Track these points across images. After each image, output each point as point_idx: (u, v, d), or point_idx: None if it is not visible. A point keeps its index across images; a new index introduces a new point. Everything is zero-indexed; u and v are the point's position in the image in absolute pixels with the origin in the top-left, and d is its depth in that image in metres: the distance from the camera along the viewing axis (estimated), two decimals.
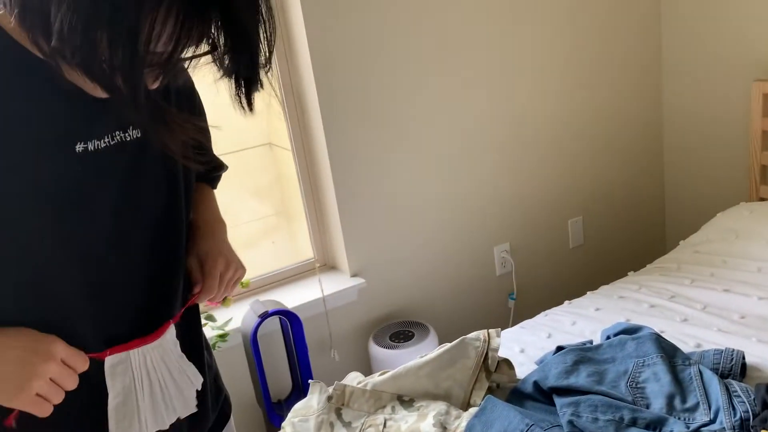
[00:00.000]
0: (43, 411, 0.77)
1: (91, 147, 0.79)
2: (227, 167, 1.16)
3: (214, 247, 1.01)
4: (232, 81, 0.74)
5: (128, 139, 0.83)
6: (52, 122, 0.76)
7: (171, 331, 0.93)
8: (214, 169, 1.12)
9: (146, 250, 0.89)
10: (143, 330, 0.90)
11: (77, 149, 0.78)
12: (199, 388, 0.97)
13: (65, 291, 0.81)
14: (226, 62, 0.71)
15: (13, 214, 0.74)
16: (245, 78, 0.73)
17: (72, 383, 0.79)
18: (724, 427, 1.33)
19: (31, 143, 0.74)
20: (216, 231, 1.05)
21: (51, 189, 0.76)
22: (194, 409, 0.96)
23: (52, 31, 0.64)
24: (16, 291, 0.78)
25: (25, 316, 0.78)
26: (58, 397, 0.78)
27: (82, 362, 0.80)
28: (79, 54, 0.65)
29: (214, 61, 0.71)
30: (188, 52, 0.69)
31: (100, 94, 0.75)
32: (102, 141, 0.80)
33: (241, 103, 0.75)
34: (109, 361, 0.87)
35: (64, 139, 0.77)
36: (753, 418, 1.31)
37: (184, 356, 0.96)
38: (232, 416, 1.12)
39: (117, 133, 0.82)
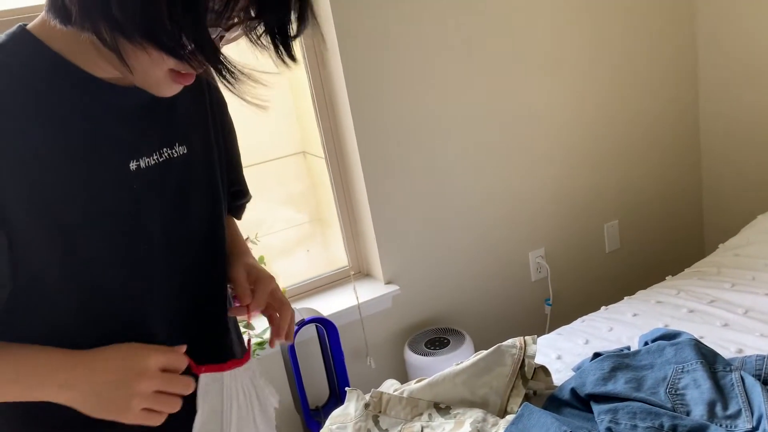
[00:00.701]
0: (156, 421, 0.77)
1: (143, 164, 0.81)
2: (251, 197, 1.15)
3: (255, 264, 1.03)
4: (268, 35, 0.73)
5: (175, 155, 0.85)
6: (107, 141, 0.77)
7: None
8: (241, 195, 1.11)
9: (193, 267, 0.90)
10: (199, 348, 0.90)
11: (131, 167, 0.80)
12: (277, 406, 0.98)
13: (123, 310, 0.82)
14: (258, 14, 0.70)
15: (77, 235, 0.75)
16: (279, 27, 0.72)
17: (181, 388, 0.78)
18: None
19: (90, 163, 0.76)
20: (248, 252, 1.07)
21: (110, 209, 0.78)
22: (274, 428, 0.97)
23: (111, 7, 0.64)
24: (79, 314, 0.79)
25: (88, 340, 0.79)
26: (170, 406, 0.78)
27: (180, 362, 0.80)
28: (141, 21, 0.64)
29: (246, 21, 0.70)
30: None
31: (159, 88, 0.74)
32: (151, 158, 0.82)
33: (282, 58, 0.74)
34: (203, 379, 0.87)
35: (119, 157, 0.79)
36: None
37: (263, 376, 0.97)
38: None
39: (164, 150, 0.84)
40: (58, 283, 0.77)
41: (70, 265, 0.76)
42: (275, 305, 1.00)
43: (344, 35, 2.04)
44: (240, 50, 0.74)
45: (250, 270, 1.00)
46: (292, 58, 0.75)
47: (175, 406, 0.78)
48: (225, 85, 0.71)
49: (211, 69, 0.69)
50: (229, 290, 1.03)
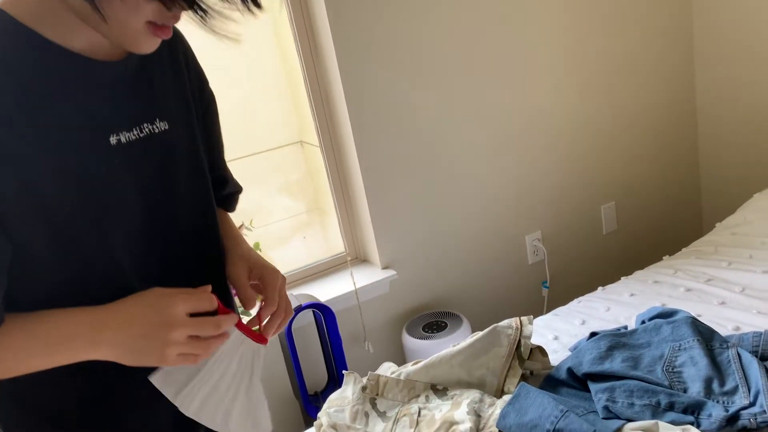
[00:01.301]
0: (194, 361, 0.78)
1: (123, 139, 0.80)
2: (242, 189, 1.12)
3: (256, 257, 1.00)
4: None
5: (156, 131, 0.84)
6: (87, 115, 0.76)
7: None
8: (222, 181, 1.08)
9: (185, 245, 0.89)
10: None
11: (112, 141, 0.79)
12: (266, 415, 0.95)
13: (106, 288, 0.80)
14: None
15: (58, 211, 0.75)
16: None
17: (212, 329, 0.77)
18: (764, 410, 1.30)
19: (71, 138, 0.75)
20: (244, 243, 1.04)
21: (91, 183, 0.77)
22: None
23: None
24: (57, 289, 0.78)
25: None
26: (205, 349, 0.77)
27: (208, 303, 0.79)
28: None
29: None
30: None
31: (137, 43, 0.74)
32: (132, 133, 0.81)
33: (249, 7, 0.73)
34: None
35: (99, 132, 0.78)
36: None
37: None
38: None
39: (145, 125, 0.83)
40: (47, 257, 0.76)
41: (57, 242, 0.76)
42: (281, 304, 0.96)
43: (337, 21, 2.03)
44: None
45: (253, 266, 0.97)
46: (257, 4, 0.74)
47: (210, 348, 0.78)
48: (199, 23, 0.71)
49: (186, 7, 0.68)
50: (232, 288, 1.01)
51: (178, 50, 0.91)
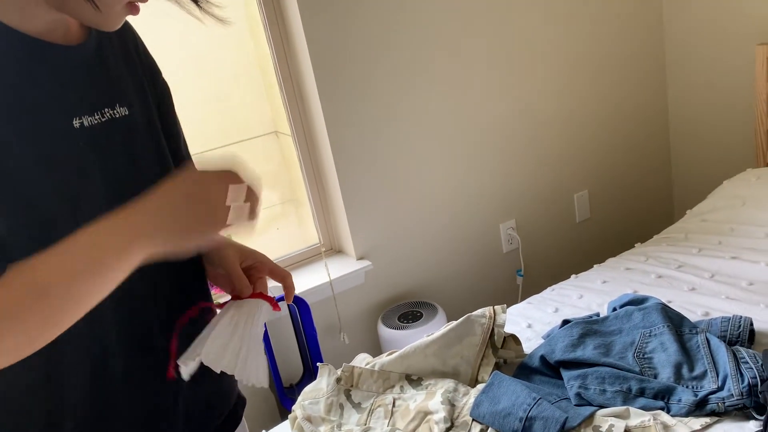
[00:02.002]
0: (253, 214, 0.79)
1: (86, 123, 0.79)
2: None
3: (242, 246, 1.00)
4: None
5: (117, 116, 0.83)
6: (50, 99, 0.76)
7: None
8: None
9: None
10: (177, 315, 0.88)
11: (75, 125, 0.78)
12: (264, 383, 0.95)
13: None
14: None
15: (33, 195, 0.73)
16: None
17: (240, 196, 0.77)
18: (732, 394, 1.33)
19: (37, 122, 0.74)
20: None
21: (61, 165, 0.76)
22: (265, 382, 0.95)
23: None
24: None
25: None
26: (248, 213, 0.78)
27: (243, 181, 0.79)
28: None
29: None
30: None
31: (109, 18, 0.75)
32: (94, 117, 0.80)
33: (212, 14, 0.74)
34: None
35: (63, 116, 0.77)
36: (760, 384, 1.31)
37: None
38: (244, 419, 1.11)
39: (106, 110, 0.82)
40: (25, 244, 0.73)
41: (35, 227, 0.74)
42: (282, 275, 0.99)
43: (308, 12, 2.00)
44: None
45: (242, 252, 0.97)
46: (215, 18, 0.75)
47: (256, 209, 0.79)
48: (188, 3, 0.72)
49: None
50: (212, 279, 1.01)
51: (127, 38, 0.91)
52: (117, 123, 0.83)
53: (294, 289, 0.99)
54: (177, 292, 0.90)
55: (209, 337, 0.85)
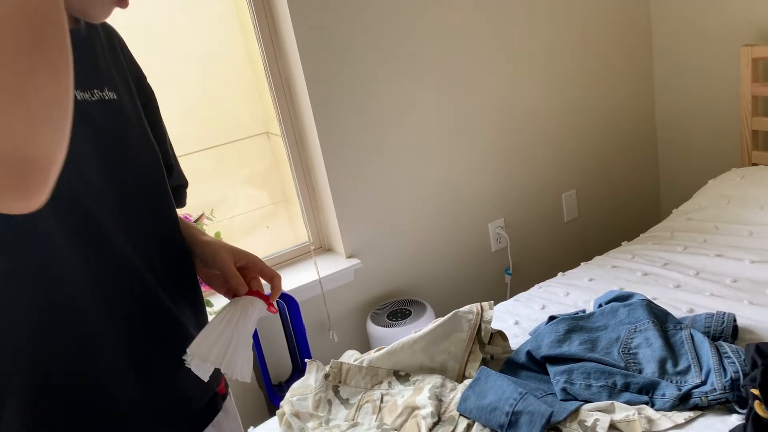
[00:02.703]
0: None
1: (78, 96, 0.80)
2: (188, 184, 1.12)
3: (234, 247, 1.02)
4: None
5: (107, 98, 0.85)
6: None
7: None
8: (170, 171, 1.06)
9: (142, 219, 0.89)
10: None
11: None
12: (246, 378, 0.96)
13: (66, 262, 0.78)
14: None
15: None
16: None
17: None
18: (715, 388, 1.35)
19: None
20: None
21: None
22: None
23: None
24: (13, 264, 0.75)
25: (30, 298, 0.76)
26: None
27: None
28: None
29: None
30: None
31: (95, 8, 0.77)
32: (86, 93, 0.82)
33: None
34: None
35: None
36: (743, 378, 1.33)
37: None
38: (233, 404, 1.11)
39: (96, 90, 0.84)
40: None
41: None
42: (271, 275, 1.01)
43: (298, 12, 2.01)
44: None
45: (237, 256, 0.99)
46: None
47: None
48: None
49: None
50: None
51: (113, 40, 0.93)
52: (107, 104, 0.85)
53: (281, 290, 1.01)
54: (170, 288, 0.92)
55: (200, 334, 0.88)
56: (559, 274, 2.06)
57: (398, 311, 2.25)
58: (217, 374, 1.02)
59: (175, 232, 0.98)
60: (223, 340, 0.89)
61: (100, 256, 0.82)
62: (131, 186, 0.88)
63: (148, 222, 0.90)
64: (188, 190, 1.12)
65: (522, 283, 2.56)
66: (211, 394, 1.02)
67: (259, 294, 0.96)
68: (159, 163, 0.95)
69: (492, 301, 1.63)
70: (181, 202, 1.10)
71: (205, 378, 0.88)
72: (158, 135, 0.99)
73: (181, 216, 1.06)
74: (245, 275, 0.97)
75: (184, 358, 0.87)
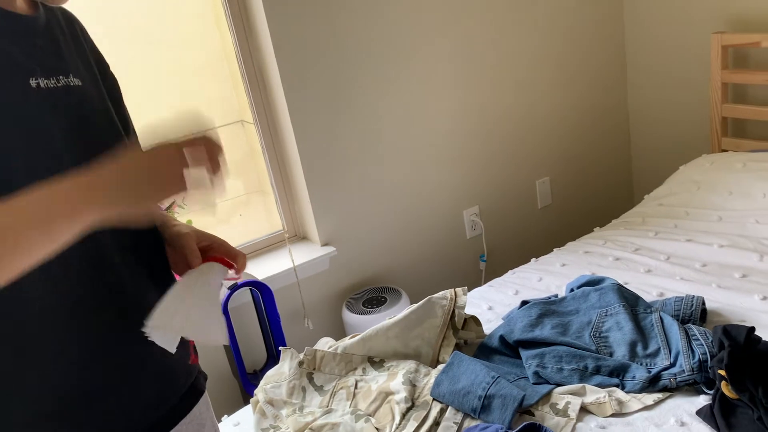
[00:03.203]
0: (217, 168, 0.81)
1: (42, 84, 0.80)
2: None
3: (201, 230, 1.02)
4: None
5: (72, 84, 0.85)
6: (6, 58, 0.77)
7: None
8: None
9: None
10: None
11: (32, 84, 0.79)
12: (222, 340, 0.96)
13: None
14: None
15: None
16: None
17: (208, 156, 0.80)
18: (683, 370, 1.37)
19: None
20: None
21: (20, 121, 0.77)
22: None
23: None
24: None
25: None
26: (210, 178, 0.80)
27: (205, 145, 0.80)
28: None
29: None
30: None
31: None
32: (50, 81, 0.82)
33: None
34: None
35: (19, 74, 0.78)
36: (710, 360, 1.35)
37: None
38: (206, 392, 1.11)
39: (61, 77, 0.84)
40: None
41: None
42: (235, 253, 1.01)
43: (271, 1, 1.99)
44: None
45: (201, 237, 1.00)
46: None
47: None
48: None
49: None
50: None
51: (75, 27, 0.93)
52: (72, 90, 0.85)
53: (245, 268, 1.01)
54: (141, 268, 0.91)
55: (159, 305, 0.87)
56: (533, 259, 2.07)
57: (374, 298, 2.25)
58: (185, 353, 1.02)
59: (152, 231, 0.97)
60: (185, 307, 0.88)
61: (73, 248, 0.81)
62: None
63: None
64: None
65: (497, 270, 2.57)
66: (191, 380, 1.01)
67: (216, 258, 0.95)
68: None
69: (465, 287, 1.64)
70: None
71: (172, 349, 0.87)
72: (123, 121, 0.98)
73: None
74: (206, 254, 0.98)
75: (143, 330, 0.85)
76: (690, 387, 1.37)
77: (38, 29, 0.83)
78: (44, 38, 0.84)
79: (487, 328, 1.68)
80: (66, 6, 0.90)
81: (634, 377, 1.40)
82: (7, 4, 0.79)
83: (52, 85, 0.82)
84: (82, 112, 0.86)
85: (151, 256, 0.96)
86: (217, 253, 0.98)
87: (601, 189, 2.95)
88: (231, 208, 2.47)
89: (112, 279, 0.86)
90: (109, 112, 0.92)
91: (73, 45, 0.90)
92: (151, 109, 2.12)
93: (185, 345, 1.01)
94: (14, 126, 0.76)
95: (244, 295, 2.09)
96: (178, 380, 0.96)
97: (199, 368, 1.05)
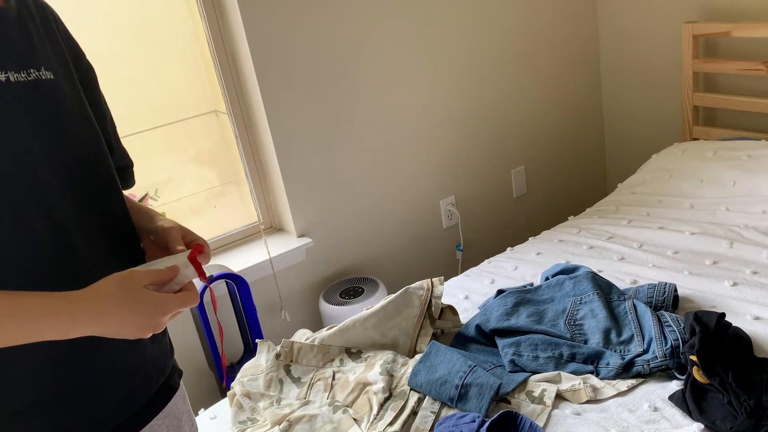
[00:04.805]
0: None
1: (12, 78, 0.79)
2: (133, 163, 1.10)
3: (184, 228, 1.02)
4: None
5: (43, 78, 0.84)
6: None
7: None
8: (120, 162, 1.06)
9: (84, 189, 0.88)
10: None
11: (1, 78, 0.78)
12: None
13: (13, 226, 0.78)
14: None
15: None
16: None
17: (193, 301, 0.84)
18: (656, 356, 1.39)
19: None
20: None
21: None
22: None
23: None
24: None
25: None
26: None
27: (183, 299, 0.83)
28: None
29: None
30: None
31: None
32: (21, 74, 0.81)
33: None
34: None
35: None
36: (682, 346, 1.37)
37: None
38: (182, 385, 1.10)
39: (32, 70, 0.83)
40: None
41: None
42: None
43: None
44: None
45: (185, 233, 0.99)
46: None
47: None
48: None
49: None
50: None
51: (47, 17, 0.91)
52: (43, 84, 0.84)
53: (209, 258, 1.00)
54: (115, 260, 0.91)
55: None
56: (508, 248, 2.09)
57: (351, 289, 2.25)
58: (169, 351, 1.01)
59: (123, 212, 0.96)
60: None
61: (47, 244, 0.82)
62: (72, 168, 0.87)
63: (93, 205, 0.89)
64: (134, 170, 1.10)
65: (473, 259, 2.59)
66: (164, 378, 1.00)
67: (194, 260, 0.93)
68: (100, 143, 0.93)
69: (442, 277, 1.64)
70: (128, 183, 1.09)
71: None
72: (98, 114, 0.97)
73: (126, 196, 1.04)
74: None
75: None
76: (663, 373, 1.39)
77: (9, 21, 0.81)
78: (15, 30, 0.82)
79: (464, 317, 1.69)
80: None
81: (608, 364, 1.42)
82: None
83: (22, 79, 0.80)
84: (54, 106, 0.85)
85: (126, 250, 0.95)
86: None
87: (576, 178, 2.98)
88: (205, 199, 2.45)
89: (85, 275, 0.85)
90: (83, 103, 0.90)
91: (45, 35, 0.88)
92: (119, 97, 2.09)
93: (161, 342, 1.00)
94: None
95: (220, 288, 2.07)
96: (151, 378, 0.96)
97: (174, 364, 1.04)
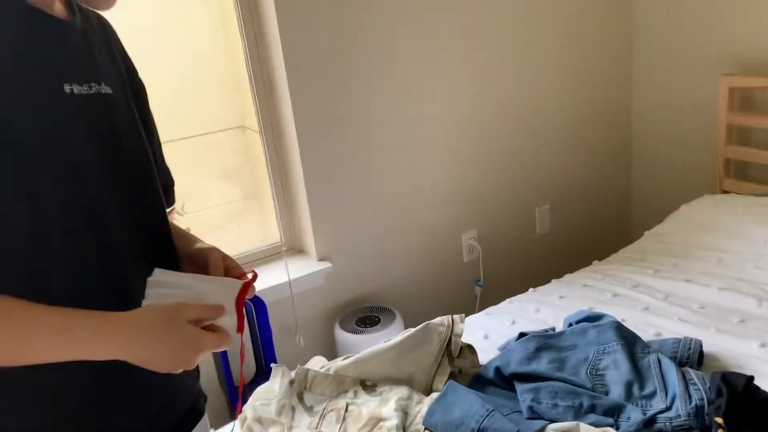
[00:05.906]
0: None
1: (76, 90, 0.81)
2: (174, 182, 1.13)
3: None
4: None
5: (103, 92, 0.86)
6: (44, 64, 0.78)
7: None
8: (164, 180, 1.08)
9: (134, 215, 0.90)
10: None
11: (66, 90, 0.80)
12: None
13: (78, 231, 0.80)
14: None
15: (25, 153, 0.74)
16: None
17: (227, 344, 0.84)
18: (679, 414, 1.35)
19: (30, 81, 0.76)
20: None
21: (52, 125, 0.78)
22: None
23: None
24: (34, 236, 0.76)
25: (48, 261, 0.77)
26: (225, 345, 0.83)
27: (219, 341, 0.83)
28: None
29: None
30: None
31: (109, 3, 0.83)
32: (83, 87, 0.83)
33: None
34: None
35: (55, 79, 0.79)
36: (707, 406, 1.33)
37: None
38: (206, 414, 1.09)
39: (93, 84, 0.85)
40: (11, 205, 0.74)
41: (22, 185, 0.74)
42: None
43: (283, 5, 1.98)
44: None
45: (227, 259, 1.01)
46: None
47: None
48: None
49: None
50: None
51: (108, 34, 0.95)
52: (103, 98, 0.86)
53: (254, 292, 1.00)
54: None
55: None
56: (530, 289, 2.06)
57: (367, 318, 2.23)
58: (196, 374, 1.01)
59: (165, 229, 0.98)
60: (196, 283, 0.88)
61: (100, 253, 0.83)
62: (124, 184, 0.88)
63: (140, 221, 0.91)
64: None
65: (491, 295, 2.56)
66: (191, 401, 1.00)
67: (243, 293, 0.93)
68: (150, 160, 0.95)
69: (463, 315, 1.62)
70: (170, 201, 1.11)
71: None
72: (147, 131, 0.99)
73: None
74: (229, 275, 0.97)
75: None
76: None
77: (75, 34, 0.84)
78: (80, 43, 0.85)
79: (483, 357, 1.66)
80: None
81: (629, 418, 1.38)
82: (46, 7, 0.80)
83: (84, 92, 0.82)
84: (111, 121, 0.87)
85: (166, 267, 0.95)
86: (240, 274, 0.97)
87: (600, 221, 2.95)
88: (226, 214, 2.45)
89: (121, 294, 0.84)
90: (135, 120, 0.93)
91: (105, 51, 0.91)
92: (152, 107, 2.10)
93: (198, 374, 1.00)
94: (44, 131, 0.77)
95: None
96: (178, 399, 0.95)
97: (200, 389, 1.04)
